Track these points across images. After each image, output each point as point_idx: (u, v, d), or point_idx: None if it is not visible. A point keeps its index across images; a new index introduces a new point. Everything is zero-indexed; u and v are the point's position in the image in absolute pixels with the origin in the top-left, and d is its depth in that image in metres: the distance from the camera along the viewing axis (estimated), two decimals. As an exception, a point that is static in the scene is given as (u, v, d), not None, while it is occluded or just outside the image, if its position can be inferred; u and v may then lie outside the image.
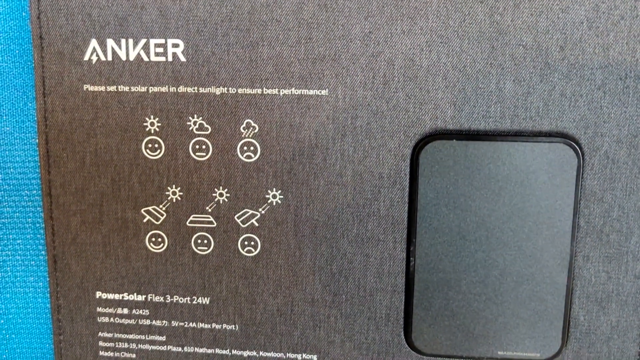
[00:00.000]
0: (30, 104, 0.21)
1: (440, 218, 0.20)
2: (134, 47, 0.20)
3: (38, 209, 0.21)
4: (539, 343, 0.20)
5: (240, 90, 0.20)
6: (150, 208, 0.21)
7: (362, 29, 0.19)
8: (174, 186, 0.20)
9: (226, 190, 0.20)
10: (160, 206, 0.21)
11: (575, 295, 0.20)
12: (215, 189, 0.20)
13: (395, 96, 0.19)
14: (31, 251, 0.22)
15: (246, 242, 0.21)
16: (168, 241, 0.21)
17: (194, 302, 0.21)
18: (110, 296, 0.21)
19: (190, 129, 0.20)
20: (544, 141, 0.19)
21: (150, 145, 0.20)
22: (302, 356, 0.21)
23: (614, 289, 0.20)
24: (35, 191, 0.21)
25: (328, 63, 0.19)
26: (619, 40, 0.18)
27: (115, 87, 0.20)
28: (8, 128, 0.21)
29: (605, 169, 0.19)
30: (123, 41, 0.20)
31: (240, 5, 0.19)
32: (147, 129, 0.20)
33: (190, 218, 0.21)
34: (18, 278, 0.22)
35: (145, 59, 0.20)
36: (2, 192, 0.21)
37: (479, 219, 0.19)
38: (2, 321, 0.22)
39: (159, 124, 0.20)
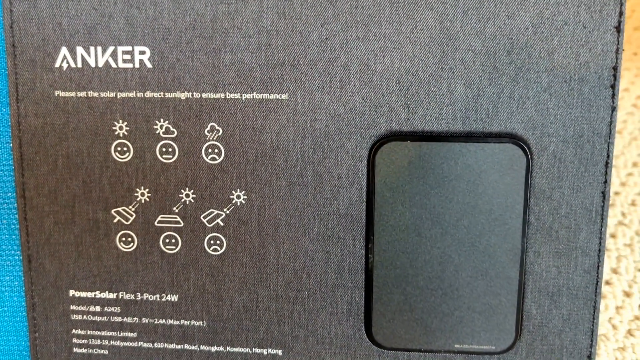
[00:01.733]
0: (4, 109, 0.21)
1: (397, 216, 0.20)
2: (102, 54, 0.21)
3: (13, 210, 0.22)
4: (493, 336, 0.21)
5: (204, 95, 0.20)
6: (120, 209, 0.22)
7: (319, 36, 0.20)
8: (142, 187, 0.21)
9: (192, 191, 0.21)
10: (130, 207, 0.21)
11: (527, 290, 0.21)
12: (182, 190, 0.21)
13: (352, 100, 0.20)
14: (6, 251, 0.22)
15: (212, 241, 0.21)
16: (137, 240, 0.22)
17: (163, 300, 0.22)
18: (83, 294, 0.22)
19: (157, 132, 0.21)
20: (493, 142, 0.20)
21: (119, 149, 0.21)
22: (267, 351, 0.22)
23: (565, 283, 0.20)
24: (10, 193, 0.22)
25: (287, 68, 0.20)
26: (563, 44, 0.19)
27: (85, 92, 0.21)
28: (-17, 133, 0.21)
29: (552, 168, 0.20)
30: (92, 49, 0.21)
31: (203, 13, 0.20)
32: (116, 133, 0.21)
33: (159, 218, 0.21)
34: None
35: (114, 65, 0.21)
36: (-22, 195, 0.22)
37: (433, 216, 0.20)
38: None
39: (127, 128, 0.21)
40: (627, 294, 0.33)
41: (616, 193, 0.37)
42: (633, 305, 0.32)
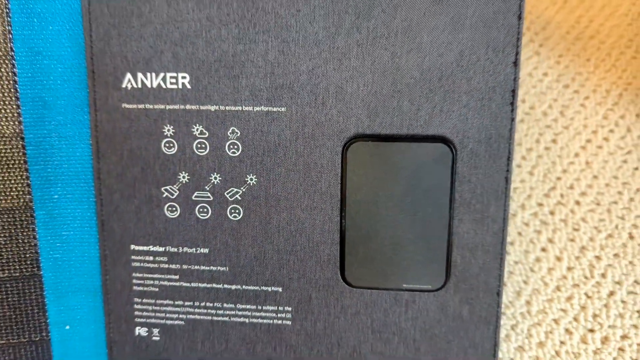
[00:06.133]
0: (85, 117, 0.30)
1: (362, 194, 0.29)
2: (155, 78, 0.29)
3: (91, 188, 0.31)
4: (430, 279, 0.29)
5: (227, 108, 0.29)
6: (167, 187, 0.30)
7: (307, 67, 0.28)
8: (183, 172, 0.30)
9: (218, 175, 0.30)
10: (174, 186, 0.30)
11: (453, 246, 0.29)
12: (211, 174, 0.30)
13: (330, 112, 0.28)
14: (87, 218, 0.31)
15: (232, 211, 0.30)
16: (179, 210, 0.30)
17: (197, 252, 0.31)
18: (140, 248, 0.31)
19: (194, 133, 0.29)
20: (429, 142, 0.28)
21: (167, 145, 0.30)
22: (271, 288, 0.31)
23: (480, 242, 0.29)
24: (89, 176, 0.31)
25: (285, 90, 0.28)
26: (477, 74, 0.27)
27: (143, 105, 0.29)
28: (71, 132, 0.30)
29: (470, 160, 0.28)
30: (148, 74, 0.29)
31: (227, 50, 0.28)
32: (165, 134, 0.30)
33: (195, 194, 0.30)
34: (78, 236, 0.31)
35: (164, 86, 0.29)
36: (68, 177, 0.30)
37: (387, 194, 0.29)
38: (67, 263, 0.31)
39: (173, 130, 0.29)
40: (559, 259, 0.41)
41: (558, 178, 0.45)
42: (562, 267, 0.41)
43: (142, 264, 0.31)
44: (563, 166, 0.46)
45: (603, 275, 0.40)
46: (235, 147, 0.29)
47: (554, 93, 0.50)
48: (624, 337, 0.37)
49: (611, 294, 0.39)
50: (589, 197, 0.44)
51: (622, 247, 0.41)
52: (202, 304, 0.31)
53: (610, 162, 0.45)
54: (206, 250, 0.30)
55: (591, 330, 0.38)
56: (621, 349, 0.37)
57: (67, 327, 0.32)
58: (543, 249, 0.41)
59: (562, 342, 0.37)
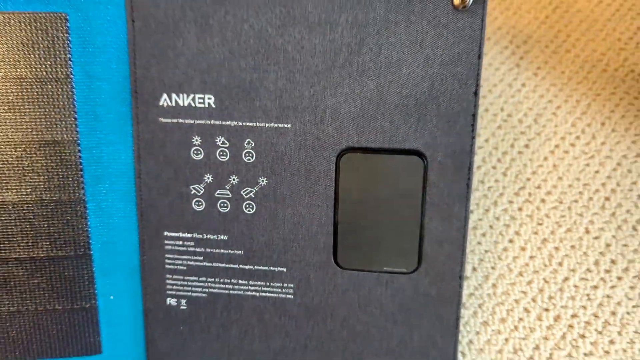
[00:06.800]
0: (129, 128, 0.37)
1: (352, 195, 0.36)
2: (186, 98, 0.36)
3: (133, 185, 0.38)
4: (406, 263, 0.36)
5: (244, 123, 0.36)
6: (195, 185, 0.37)
7: (308, 93, 0.34)
8: (208, 174, 0.37)
9: (236, 177, 0.37)
10: (201, 185, 0.37)
11: (424, 239, 0.36)
12: (231, 176, 0.37)
13: (327, 129, 0.35)
14: (129, 210, 0.38)
15: (247, 206, 0.37)
16: (204, 204, 0.37)
17: (218, 238, 0.38)
18: (172, 234, 0.38)
19: (217, 143, 0.36)
20: (406, 154, 0.35)
21: (195, 152, 0.37)
22: (277, 269, 0.38)
23: (446, 236, 0.36)
24: (131, 175, 0.38)
25: (291, 110, 0.35)
26: (445, 102, 0.34)
27: (176, 119, 0.36)
28: (117, 140, 0.37)
29: (439, 170, 0.35)
30: (181, 95, 0.36)
31: (244, 78, 0.35)
32: (194, 143, 0.36)
33: (217, 192, 0.37)
34: (122, 224, 0.38)
35: (193, 105, 0.36)
36: (115, 176, 0.37)
37: (371, 195, 0.35)
38: (113, 245, 0.39)
39: (200, 140, 0.36)
40: (523, 249, 0.48)
41: (528, 179, 0.52)
42: (525, 256, 0.48)
43: (173, 247, 0.38)
44: (533, 168, 0.52)
45: (560, 264, 0.47)
46: (250, 155, 0.36)
47: (529, 102, 0.56)
48: (573, 315, 0.44)
49: (565, 279, 0.46)
50: (554, 196, 0.50)
51: (578, 240, 0.48)
52: (221, 280, 0.38)
53: (574, 166, 0.52)
54: (225, 237, 0.37)
55: (546, 310, 0.45)
56: (570, 326, 0.44)
57: (111, 297, 0.40)
58: (510, 240, 0.48)
59: (520, 319, 0.44)
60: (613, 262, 0.47)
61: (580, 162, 0.52)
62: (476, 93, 0.33)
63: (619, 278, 0.46)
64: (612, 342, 0.43)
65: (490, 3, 0.64)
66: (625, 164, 0.52)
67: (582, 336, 0.43)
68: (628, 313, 0.44)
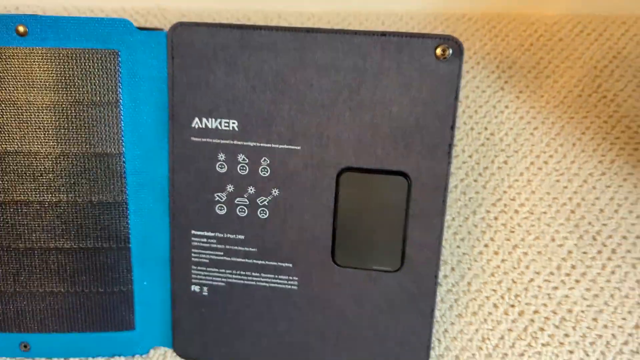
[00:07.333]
0: (166, 145, 0.44)
1: (348, 206, 0.43)
2: (214, 122, 0.43)
3: (167, 192, 0.45)
4: (392, 263, 0.44)
5: (262, 144, 0.43)
6: (218, 193, 0.45)
7: (315, 122, 0.42)
8: (230, 184, 0.44)
9: (253, 188, 0.44)
10: (223, 193, 0.44)
11: (407, 243, 0.43)
12: (249, 187, 0.44)
13: (330, 152, 0.42)
14: (163, 211, 0.46)
15: (261, 212, 0.44)
16: (226, 209, 0.45)
17: (236, 237, 0.45)
18: (198, 233, 0.46)
19: (239, 159, 0.44)
20: (393, 175, 0.42)
21: (220, 166, 0.44)
22: (285, 264, 0.45)
23: (425, 242, 0.43)
24: (166, 184, 0.45)
25: (301, 135, 0.42)
26: (428, 134, 0.41)
27: (206, 139, 0.43)
28: (156, 155, 0.45)
29: (420, 189, 0.42)
30: (210, 119, 0.43)
31: (262, 107, 0.42)
32: (219, 159, 0.44)
33: (237, 199, 0.44)
34: (156, 223, 0.46)
35: (219, 127, 0.43)
36: (152, 184, 0.45)
37: (365, 208, 0.43)
38: (149, 240, 0.46)
39: (225, 157, 0.44)
40: (496, 253, 0.56)
41: (504, 192, 0.59)
42: (498, 259, 0.55)
43: (198, 243, 0.46)
44: (509, 182, 0.60)
45: (527, 267, 0.54)
46: (266, 170, 0.43)
47: (510, 123, 0.64)
48: (535, 311, 0.52)
49: (531, 280, 0.54)
50: (526, 207, 0.58)
51: (544, 247, 0.56)
52: (237, 272, 0.46)
53: (546, 181, 0.59)
54: (242, 237, 0.45)
55: (512, 306, 0.52)
56: (532, 320, 0.52)
57: (145, 283, 0.47)
58: (485, 245, 0.56)
59: (489, 313, 0.52)
60: (573, 267, 0.54)
61: (552, 178, 0.59)
62: (452, 127, 0.41)
63: (577, 281, 0.53)
64: (566, 335, 0.50)
65: (481, 30, 0.71)
66: (591, 181, 0.59)
67: (542, 329, 0.51)
68: (582, 311, 0.52)
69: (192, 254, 0.46)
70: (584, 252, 0.55)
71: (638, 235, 0.56)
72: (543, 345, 0.50)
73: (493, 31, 0.70)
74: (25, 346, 0.48)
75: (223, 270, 0.46)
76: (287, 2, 0.72)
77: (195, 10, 0.73)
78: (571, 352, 0.49)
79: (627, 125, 0.63)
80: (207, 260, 0.46)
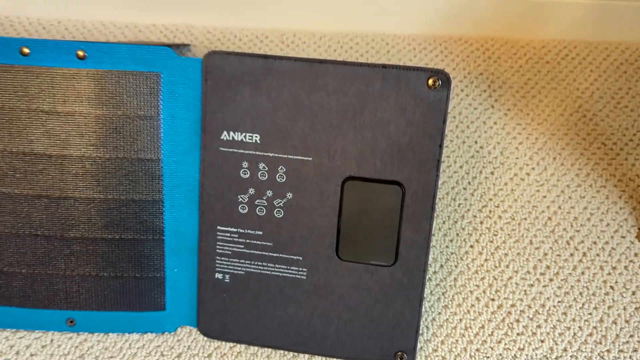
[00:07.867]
0: (198, 153, 0.52)
1: (351, 209, 0.51)
2: (240, 135, 0.51)
3: (197, 192, 0.53)
4: (386, 258, 0.51)
5: (279, 155, 0.51)
6: (241, 195, 0.52)
7: (325, 138, 0.49)
8: (251, 188, 0.52)
9: (271, 191, 0.52)
10: (245, 195, 0.52)
11: (400, 242, 0.51)
12: (267, 191, 0.52)
13: (336, 163, 0.50)
14: (194, 212, 0.54)
15: (277, 212, 0.52)
16: (247, 209, 0.53)
17: (255, 233, 0.53)
18: (223, 228, 0.53)
19: (259, 167, 0.51)
20: (390, 184, 0.50)
21: (243, 172, 0.52)
22: (296, 257, 0.53)
23: (415, 241, 0.51)
24: (196, 186, 0.53)
25: (312, 148, 0.50)
26: (419, 151, 0.49)
27: (232, 149, 0.51)
28: (189, 161, 0.52)
29: (412, 196, 0.50)
30: (236, 133, 0.51)
31: (281, 124, 0.50)
32: (243, 166, 0.52)
33: (257, 200, 0.52)
34: (187, 218, 0.54)
35: (244, 140, 0.51)
36: (185, 186, 0.53)
37: (364, 210, 0.50)
38: (180, 233, 0.54)
39: (247, 165, 0.51)
40: (480, 253, 0.63)
41: (490, 199, 0.67)
42: (481, 258, 0.63)
43: (223, 237, 0.54)
44: (495, 191, 0.67)
45: (507, 266, 0.62)
46: (282, 177, 0.51)
47: (498, 138, 0.71)
48: (512, 305, 0.59)
49: (510, 278, 0.61)
50: (508, 213, 0.65)
51: (523, 249, 0.63)
52: (255, 262, 0.54)
53: (527, 190, 0.67)
54: (260, 232, 0.53)
55: (492, 299, 0.60)
56: (509, 312, 0.59)
57: (175, 270, 0.55)
58: (471, 246, 0.63)
59: (472, 305, 0.60)
60: (547, 267, 0.62)
61: (533, 188, 0.67)
62: (440, 146, 0.48)
63: (551, 280, 0.61)
64: (539, 326, 0.58)
65: (475, 52, 0.78)
66: (568, 192, 0.67)
67: (517, 320, 0.58)
68: (554, 306, 0.59)
69: (217, 246, 0.54)
70: (558, 255, 0.62)
71: (607, 241, 0.63)
72: (518, 334, 0.57)
73: (487, 53, 0.78)
74: (71, 322, 0.56)
75: (243, 261, 0.53)
76: (301, 23, 0.80)
77: (219, 28, 0.81)
78: (542, 341, 0.57)
79: (603, 143, 0.70)
80: (230, 252, 0.53)
